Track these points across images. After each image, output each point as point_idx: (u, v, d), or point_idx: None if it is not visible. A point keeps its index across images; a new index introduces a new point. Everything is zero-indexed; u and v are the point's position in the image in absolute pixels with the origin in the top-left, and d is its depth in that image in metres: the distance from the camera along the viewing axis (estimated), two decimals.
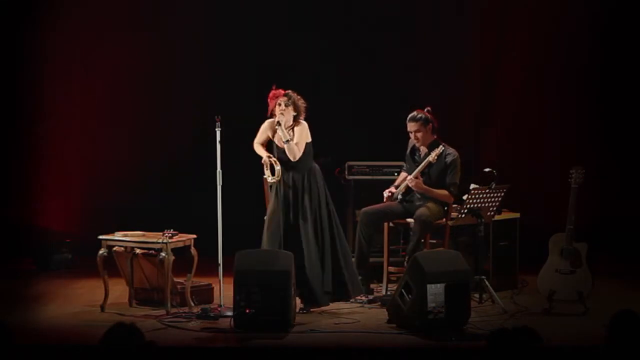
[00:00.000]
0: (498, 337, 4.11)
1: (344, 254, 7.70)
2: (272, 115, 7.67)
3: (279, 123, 7.55)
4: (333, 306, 7.67)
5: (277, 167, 7.55)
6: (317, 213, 7.62)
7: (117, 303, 7.66)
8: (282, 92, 7.62)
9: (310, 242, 7.54)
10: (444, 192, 7.93)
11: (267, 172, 7.62)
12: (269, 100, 7.66)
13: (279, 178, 7.56)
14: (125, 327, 4.21)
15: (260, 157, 7.69)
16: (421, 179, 7.93)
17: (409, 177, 7.98)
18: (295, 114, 7.61)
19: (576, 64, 9.90)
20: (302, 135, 7.60)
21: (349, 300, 7.71)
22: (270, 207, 7.70)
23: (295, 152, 7.54)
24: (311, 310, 7.51)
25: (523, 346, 4.08)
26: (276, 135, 7.68)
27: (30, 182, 9.98)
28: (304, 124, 7.64)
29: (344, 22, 9.98)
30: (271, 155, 7.62)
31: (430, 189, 7.93)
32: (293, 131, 7.61)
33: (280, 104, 7.57)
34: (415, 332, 6.77)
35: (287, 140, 7.52)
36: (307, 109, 7.66)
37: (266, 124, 7.75)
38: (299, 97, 7.64)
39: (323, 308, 7.55)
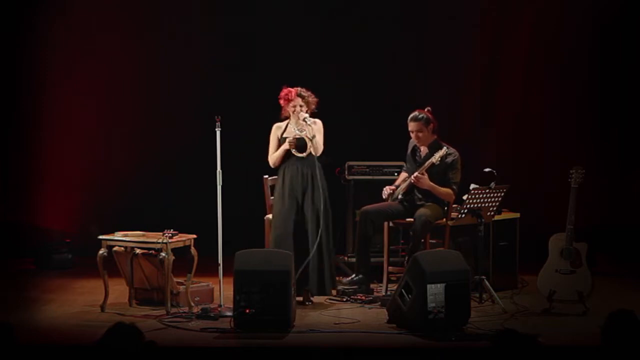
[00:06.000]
0: (503, 337, 4.12)
1: (332, 250, 7.88)
2: (283, 116, 7.83)
3: (305, 120, 7.72)
4: (333, 306, 7.69)
5: (310, 127, 7.69)
6: (320, 207, 7.70)
7: (117, 303, 7.66)
8: (295, 92, 7.75)
9: (315, 233, 7.64)
10: (448, 190, 7.93)
11: (295, 151, 7.74)
12: (280, 100, 7.78)
13: (313, 135, 7.69)
14: (125, 327, 4.21)
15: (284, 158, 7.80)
16: (426, 175, 7.91)
17: (415, 174, 7.93)
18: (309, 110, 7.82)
19: (576, 64, 9.91)
20: (321, 131, 7.79)
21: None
22: (276, 207, 7.74)
23: (319, 147, 7.74)
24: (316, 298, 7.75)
25: (525, 347, 4.09)
26: (288, 131, 7.82)
27: (30, 182, 9.98)
28: (319, 122, 7.82)
29: (344, 22, 9.97)
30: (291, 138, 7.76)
31: (435, 185, 7.92)
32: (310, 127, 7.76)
33: (296, 106, 7.73)
34: (415, 332, 6.77)
35: (313, 137, 7.68)
36: (318, 103, 7.84)
37: (274, 129, 7.90)
38: (309, 93, 7.81)
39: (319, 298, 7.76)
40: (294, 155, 7.75)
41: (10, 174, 9.98)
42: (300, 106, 7.76)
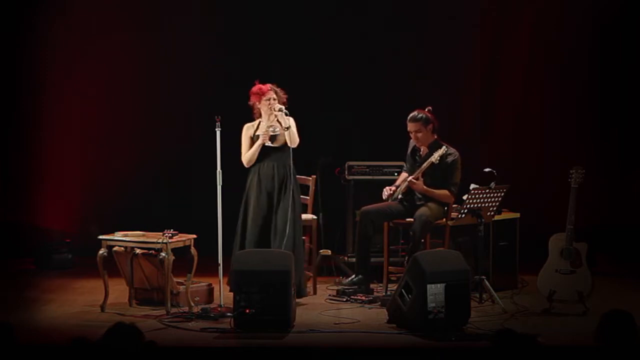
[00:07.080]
0: (502, 337, 4.12)
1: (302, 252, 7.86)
2: (254, 110, 7.86)
3: (280, 110, 7.70)
4: (333, 306, 7.69)
5: (286, 118, 7.67)
6: (293, 205, 7.71)
7: (117, 303, 7.66)
8: (268, 87, 7.79)
9: (287, 232, 7.63)
10: (445, 192, 7.93)
11: (277, 125, 7.74)
12: (252, 96, 7.82)
13: (288, 125, 7.68)
14: (125, 327, 4.22)
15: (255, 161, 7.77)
16: (422, 180, 7.92)
17: (409, 178, 7.97)
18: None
19: (576, 64, 9.91)
20: (295, 125, 7.75)
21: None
22: (249, 198, 7.76)
23: (296, 137, 7.71)
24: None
25: (525, 347, 4.09)
26: (260, 129, 7.82)
27: (30, 182, 9.98)
28: (292, 119, 7.79)
29: (344, 23, 9.96)
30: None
31: (431, 189, 7.92)
32: (279, 121, 7.76)
33: (269, 99, 7.75)
34: (415, 332, 6.77)
35: (288, 127, 7.65)
36: (287, 100, 7.84)
37: (245, 129, 7.94)
38: (280, 89, 7.84)
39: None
40: (268, 154, 7.72)
41: (10, 174, 9.98)
42: (274, 99, 7.77)
